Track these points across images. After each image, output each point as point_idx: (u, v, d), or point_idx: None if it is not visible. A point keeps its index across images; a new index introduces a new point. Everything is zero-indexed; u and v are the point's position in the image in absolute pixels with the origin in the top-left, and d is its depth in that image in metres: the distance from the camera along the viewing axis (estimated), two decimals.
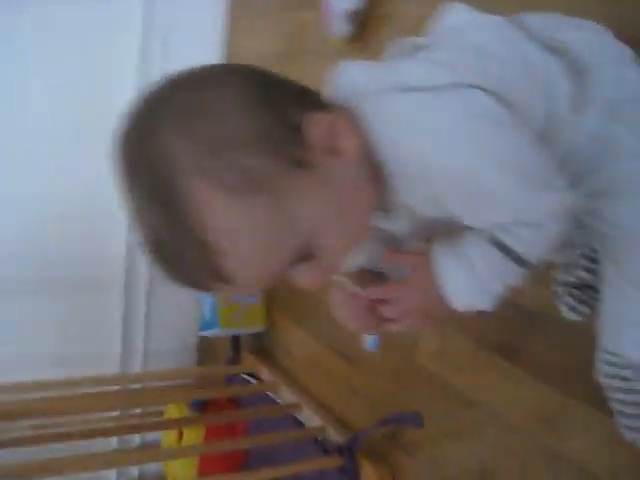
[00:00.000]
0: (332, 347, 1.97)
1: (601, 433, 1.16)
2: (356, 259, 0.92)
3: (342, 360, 1.92)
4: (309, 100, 0.75)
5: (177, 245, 0.65)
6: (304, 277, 0.75)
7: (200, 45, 2.55)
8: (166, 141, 0.65)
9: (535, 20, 0.94)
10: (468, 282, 0.79)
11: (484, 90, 0.76)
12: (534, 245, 0.80)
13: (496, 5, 1.00)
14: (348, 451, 1.71)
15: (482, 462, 1.42)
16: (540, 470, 1.29)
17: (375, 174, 0.76)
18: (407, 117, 0.73)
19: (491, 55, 0.84)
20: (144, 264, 2.55)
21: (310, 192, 0.69)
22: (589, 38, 0.93)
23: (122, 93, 2.16)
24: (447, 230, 0.85)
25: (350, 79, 0.79)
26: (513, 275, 0.80)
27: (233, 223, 0.64)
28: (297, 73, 0.82)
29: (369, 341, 0.93)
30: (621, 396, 1.00)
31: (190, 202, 0.63)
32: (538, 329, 1.30)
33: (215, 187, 0.63)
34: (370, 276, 0.90)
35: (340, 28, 1.79)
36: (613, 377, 1.00)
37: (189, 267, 0.67)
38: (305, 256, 0.72)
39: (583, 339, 1.07)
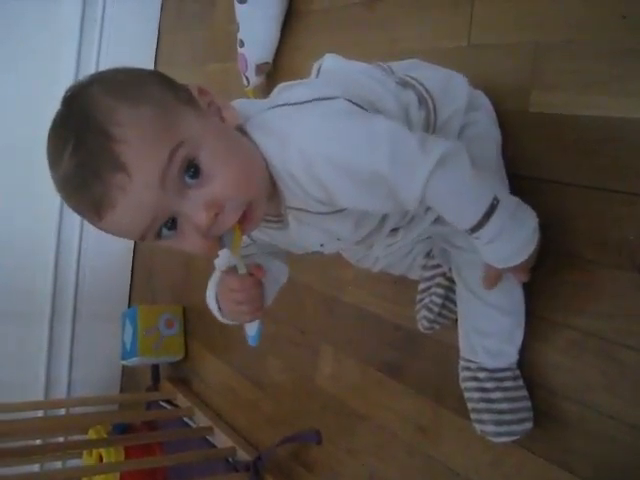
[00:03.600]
0: (243, 374, 2.05)
1: (466, 437, 1.25)
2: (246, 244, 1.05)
3: (252, 386, 2.00)
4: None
5: (84, 144, 0.78)
6: (190, 240, 0.85)
7: None
8: (91, 92, 0.81)
9: (395, 64, 1.13)
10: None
11: (344, 99, 0.91)
12: (462, 176, 0.88)
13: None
14: (254, 469, 1.80)
15: (372, 471, 1.50)
16: (418, 474, 1.37)
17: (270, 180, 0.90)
18: (272, 124, 0.90)
19: (357, 83, 1.00)
20: (71, 296, 2.60)
21: (193, 117, 0.83)
22: (439, 79, 1.10)
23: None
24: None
25: (243, 107, 0.94)
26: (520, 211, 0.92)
27: (129, 119, 0.78)
28: None
29: (252, 334, 1.01)
30: (475, 395, 1.12)
31: (99, 109, 0.78)
32: (416, 347, 1.39)
33: (120, 98, 0.79)
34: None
35: (252, 79, 1.92)
36: (469, 380, 1.14)
37: (92, 161, 0.77)
38: (188, 165, 0.81)
39: (453, 353, 1.19)
